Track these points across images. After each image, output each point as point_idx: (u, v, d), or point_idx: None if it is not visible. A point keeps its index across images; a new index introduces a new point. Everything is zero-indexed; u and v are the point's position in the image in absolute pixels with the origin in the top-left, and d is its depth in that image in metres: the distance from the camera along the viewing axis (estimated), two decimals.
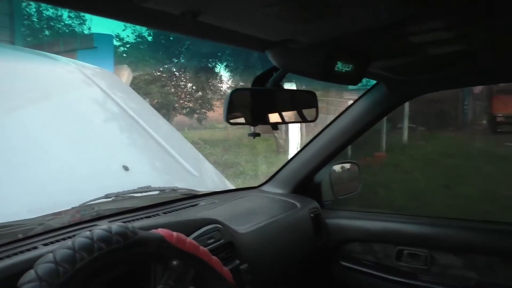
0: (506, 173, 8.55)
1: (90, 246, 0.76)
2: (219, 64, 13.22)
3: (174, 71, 13.70)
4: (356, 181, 2.14)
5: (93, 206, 1.51)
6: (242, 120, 1.13)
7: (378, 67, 1.24)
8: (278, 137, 10.78)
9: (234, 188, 2.18)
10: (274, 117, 1.17)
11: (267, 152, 11.16)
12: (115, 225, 0.83)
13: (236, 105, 1.07)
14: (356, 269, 1.89)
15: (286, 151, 9.88)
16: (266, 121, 1.15)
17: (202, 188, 2.02)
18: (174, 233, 0.91)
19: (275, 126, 1.17)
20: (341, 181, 2.08)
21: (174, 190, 1.77)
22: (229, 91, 1.04)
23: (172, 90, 13.70)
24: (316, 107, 1.27)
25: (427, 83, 1.61)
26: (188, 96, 14.08)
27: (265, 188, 2.09)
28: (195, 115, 13.87)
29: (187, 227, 1.25)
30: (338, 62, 1.04)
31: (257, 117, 1.12)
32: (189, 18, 0.75)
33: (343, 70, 1.07)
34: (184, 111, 13.98)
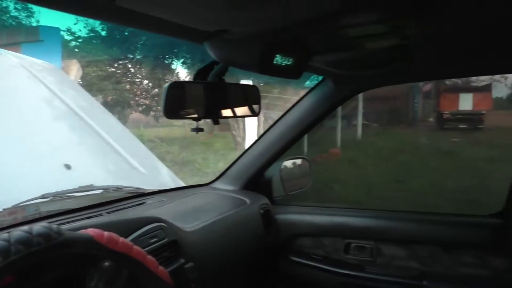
0: (452, 168, 9.03)
1: (6, 249, 0.70)
2: (176, 60, 13.00)
3: (130, 67, 13.36)
4: (307, 176, 2.16)
5: (30, 207, 1.42)
6: (182, 114, 1.10)
7: (321, 62, 1.25)
8: (235, 134, 10.79)
9: (185, 185, 2.14)
10: (216, 112, 1.14)
11: (225, 150, 11.14)
12: (37, 226, 0.77)
13: (175, 99, 1.03)
14: (305, 263, 1.91)
15: (243, 148, 9.87)
16: (206, 115, 1.12)
17: (151, 186, 1.97)
18: (105, 233, 0.86)
19: (216, 121, 1.14)
20: (292, 177, 2.09)
21: (119, 188, 1.70)
22: (166, 84, 1.00)
23: (128, 86, 13.36)
24: (259, 101, 1.26)
25: (371, 78, 1.65)
26: (144, 93, 13.78)
27: (216, 185, 2.06)
28: (152, 113, 13.59)
29: (128, 227, 1.21)
30: (277, 55, 1.03)
31: (198, 112, 1.09)
32: (106, 2, 0.71)
33: (283, 64, 1.06)
34: (140, 108, 13.67)
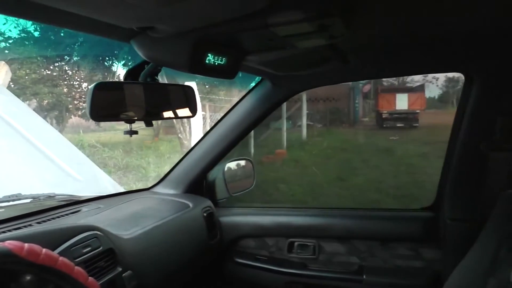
0: (390, 165, 9.49)
1: None
2: (117, 63, 12.55)
3: (67, 70, 12.70)
4: (251, 177, 2.16)
5: None
6: (111, 117, 1.05)
7: (257, 62, 1.25)
8: (182, 137, 10.61)
9: (124, 191, 2.06)
10: (148, 113, 1.09)
11: (171, 153, 10.92)
12: None
13: (103, 100, 0.98)
14: (250, 264, 1.91)
15: None
16: (138, 117, 1.07)
17: (87, 193, 1.87)
18: (26, 245, 0.80)
19: (149, 122, 1.10)
20: (235, 179, 2.08)
21: (50, 197, 1.60)
22: (91, 85, 0.94)
23: (65, 90, 12.71)
24: (195, 102, 1.23)
25: (307, 78, 1.69)
26: (83, 96, 13.17)
27: (157, 189, 2.01)
28: None
29: (58, 237, 1.13)
30: (209, 54, 1.01)
31: (128, 113, 1.04)
32: None
33: (216, 63, 1.04)
34: (79, 112, 13.05)
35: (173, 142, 11.60)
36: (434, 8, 0.99)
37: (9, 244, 0.78)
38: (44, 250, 0.82)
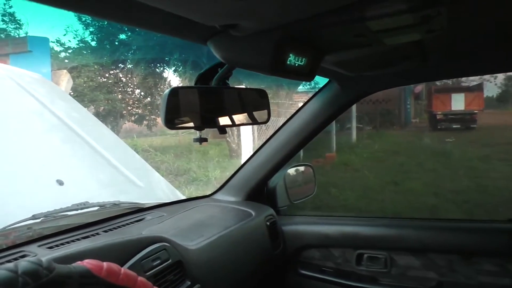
0: (447, 168, 9.03)
1: None
2: (168, 69, 12.90)
3: (121, 77, 13.26)
4: (311, 183, 2.07)
5: (20, 229, 1.31)
6: (184, 124, 0.99)
7: (331, 63, 1.16)
8: (230, 141, 10.69)
9: (184, 198, 2.04)
10: (221, 120, 1.03)
11: (220, 157, 11.05)
12: (24, 262, 0.65)
13: (177, 106, 0.93)
14: (315, 276, 1.82)
15: (239, 155, 9.79)
16: (211, 124, 1.01)
17: (149, 200, 1.86)
18: (104, 264, 0.75)
19: (222, 129, 1.03)
20: (295, 185, 2.01)
21: (116, 204, 1.59)
22: (166, 90, 0.89)
23: (119, 96, 13.26)
24: (268, 107, 1.14)
25: (378, 80, 1.57)
26: (136, 102, 13.67)
27: (217, 196, 1.96)
28: (145, 122, 13.47)
29: (128, 249, 1.11)
30: (291, 54, 0.93)
31: (201, 120, 0.98)
32: None
33: (296, 64, 0.96)
34: (132, 118, 13.56)
35: (221, 146, 11.75)
36: None
37: (88, 263, 0.73)
38: (122, 270, 0.77)
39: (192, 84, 1.02)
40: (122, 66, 12.84)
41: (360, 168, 9.54)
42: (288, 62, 0.91)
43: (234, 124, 1.07)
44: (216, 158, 10.88)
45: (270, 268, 1.78)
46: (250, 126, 9.63)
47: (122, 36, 11.86)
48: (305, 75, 1.01)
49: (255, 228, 1.68)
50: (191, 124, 0.99)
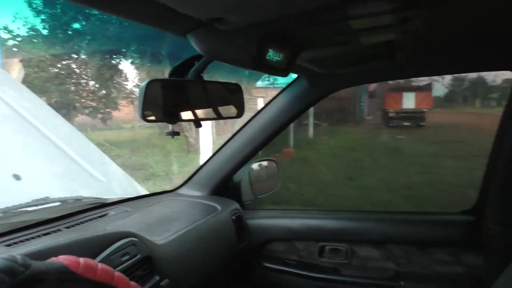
0: (399, 164, 9.42)
1: None
2: (124, 61, 12.50)
3: (74, 68, 12.71)
4: (275, 178, 2.10)
5: None
6: (160, 117, 0.97)
7: (305, 59, 1.18)
8: (188, 136, 10.56)
9: (148, 193, 2.00)
10: (197, 113, 1.02)
11: (178, 152, 10.90)
12: None
13: (153, 99, 0.91)
14: (279, 269, 1.85)
15: (197, 150, 9.69)
16: (187, 117, 1.00)
17: (111, 195, 1.82)
18: (81, 260, 0.72)
19: (198, 123, 1.03)
20: (260, 180, 2.02)
21: (78, 200, 1.54)
22: (143, 83, 0.86)
23: (73, 88, 12.72)
24: (242, 101, 1.15)
25: (346, 77, 1.62)
26: (90, 94, 13.16)
27: (182, 191, 1.94)
28: (99, 115, 13.01)
29: (97, 244, 1.08)
30: (270, 50, 0.94)
31: (178, 113, 0.98)
32: None
33: (274, 60, 0.97)
34: (86, 111, 13.06)
35: (179, 140, 11.58)
36: (498, 3, 0.92)
37: (64, 259, 0.70)
38: (99, 265, 0.75)
39: (165, 77, 1.00)
40: (76, 56, 12.31)
41: (317, 163, 9.74)
42: (267, 58, 0.92)
43: (209, 118, 1.06)
44: (174, 153, 10.73)
45: (235, 263, 1.79)
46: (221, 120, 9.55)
47: (76, 25, 11.37)
48: (281, 70, 1.02)
49: (221, 222, 1.69)
50: (168, 117, 0.97)
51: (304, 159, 10.32)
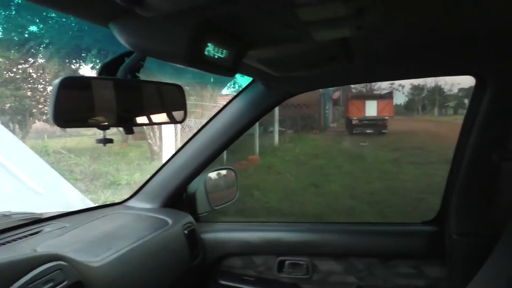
0: (362, 170, 9.57)
1: None
2: (84, 65, 12.06)
3: (31, 72, 12.19)
4: (234, 188, 1.98)
5: None
6: (80, 121, 0.82)
7: (255, 59, 1.07)
8: (152, 143, 10.32)
9: (93, 206, 1.83)
10: (128, 118, 0.89)
11: (141, 160, 10.63)
12: None
13: (70, 100, 0.77)
14: (235, 286, 1.73)
15: (160, 157, 9.46)
16: (115, 122, 0.86)
17: (52, 209, 1.64)
18: None
19: (129, 129, 0.89)
20: (217, 190, 1.90)
21: (5, 215, 1.36)
22: (56, 80, 0.72)
23: (29, 93, 12.19)
24: (184, 105, 1.01)
25: (303, 81, 1.53)
26: (48, 100, 12.61)
27: (131, 203, 1.79)
28: None
29: (15, 270, 0.92)
30: (209, 44, 0.81)
31: (103, 118, 0.82)
32: None
33: (216, 56, 0.84)
34: (44, 117, 12.54)
35: (143, 148, 11.33)
36: (452, 6, 0.86)
37: None
38: None
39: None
40: (33, 60, 11.79)
41: (282, 170, 9.73)
42: (206, 53, 0.79)
43: (143, 123, 0.93)
44: (136, 161, 10.44)
45: (188, 281, 1.65)
46: (173, 127, 9.36)
47: (33, 28, 10.87)
48: (226, 69, 0.90)
49: (171, 237, 1.55)
50: (89, 122, 0.83)
51: (269, 166, 10.30)
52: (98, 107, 0.80)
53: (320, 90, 19.56)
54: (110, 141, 0.89)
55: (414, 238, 1.60)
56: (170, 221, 1.60)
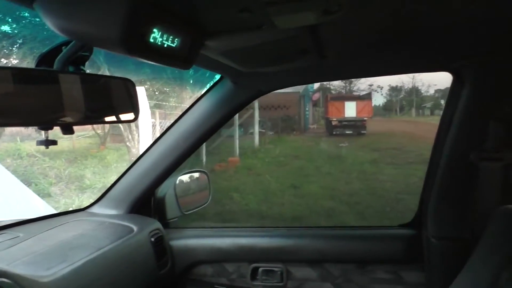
0: (341, 171, 9.60)
1: None
2: None
3: None
4: (206, 191, 1.89)
5: None
6: (6, 120, 0.71)
7: (218, 51, 0.98)
8: (130, 146, 10.10)
9: (54, 213, 1.70)
10: (65, 116, 0.77)
11: (119, 163, 10.42)
12: None
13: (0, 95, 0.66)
14: None
15: None
16: (49, 120, 0.74)
17: (5, 217, 1.51)
18: None
19: (67, 128, 0.78)
20: (188, 194, 1.81)
21: None
22: None
23: None
24: (136, 102, 0.89)
25: (273, 77, 1.44)
26: None
27: (94, 209, 1.68)
28: None
29: None
30: (155, 30, 0.71)
31: (33, 116, 0.70)
32: None
33: (165, 45, 0.74)
34: None
35: (121, 151, 11.10)
36: None
37: None
38: None
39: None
40: (6, 61, 11.43)
41: (262, 172, 9.68)
42: (151, 40, 0.70)
43: (85, 122, 0.83)
44: (114, 164, 10.23)
45: None
46: (151, 130, 9.17)
47: (5, 28, 10.52)
48: (179, 61, 0.80)
49: (136, 246, 1.44)
50: (17, 121, 0.72)
51: (249, 168, 10.24)
52: (26, 103, 0.69)
53: (300, 91, 19.70)
54: (54, 142, 0.79)
55: (391, 242, 1.54)
56: (135, 228, 1.49)
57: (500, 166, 1.28)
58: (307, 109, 21.93)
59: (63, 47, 0.75)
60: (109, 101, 0.87)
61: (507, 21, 0.99)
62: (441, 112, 1.49)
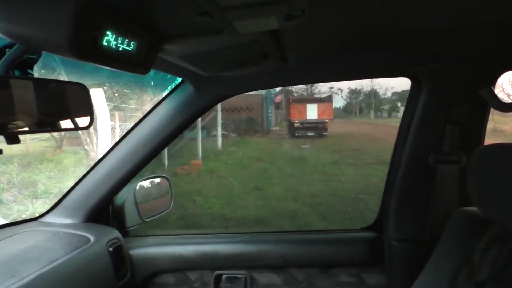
0: (304, 173, 9.72)
1: None
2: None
3: None
4: (168, 197, 1.84)
5: None
6: None
7: (177, 55, 0.95)
8: (88, 149, 9.76)
9: (3, 223, 1.60)
10: (9, 123, 0.71)
11: (77, 167, 10.04)
12: None
13: None
14: None
15: None
16: None
17: None
18: None
19: (13, 137, 0.72)
20: (149, 200, 1.75)
21: None
22: None
23: None
24: (90, 107, 0.84)
25: (236, 82, 1.42)
26: None
27: (48, 218, 1.59)
28: None
29: None
30: (108, 32, 0.66)
31: None
32: None
33: (120, 49, 0.70)
34: None
35: (79, 155, 10.70)
36: (384, 2, 0.80)
37: None
38: None
39: None
40: None
41: (225, 175, 9.63)
42: (104, 43, 0.66)
43: (33, 130, 0.77)
44: (71, 168, 9.84)
45: None
46: (111, 132, 8.90)
47: None
48: (136, 65, 0.76)
49: (93, 257, 1.37)
50: None
51: (212, 170, 10.16)
52: None
53: (263, 93, 19.82)
54: None
55: (354, 245, 1.56)
56: (92, 238, 1.42)
57: (456, 168, 1.33)
58: (269, 111, 22.05)
59: (7, 50, 0.69)
60: (61, 107, 0.82)
61: (460, 30, 1.02)
62: (398, 114, 1.52)
